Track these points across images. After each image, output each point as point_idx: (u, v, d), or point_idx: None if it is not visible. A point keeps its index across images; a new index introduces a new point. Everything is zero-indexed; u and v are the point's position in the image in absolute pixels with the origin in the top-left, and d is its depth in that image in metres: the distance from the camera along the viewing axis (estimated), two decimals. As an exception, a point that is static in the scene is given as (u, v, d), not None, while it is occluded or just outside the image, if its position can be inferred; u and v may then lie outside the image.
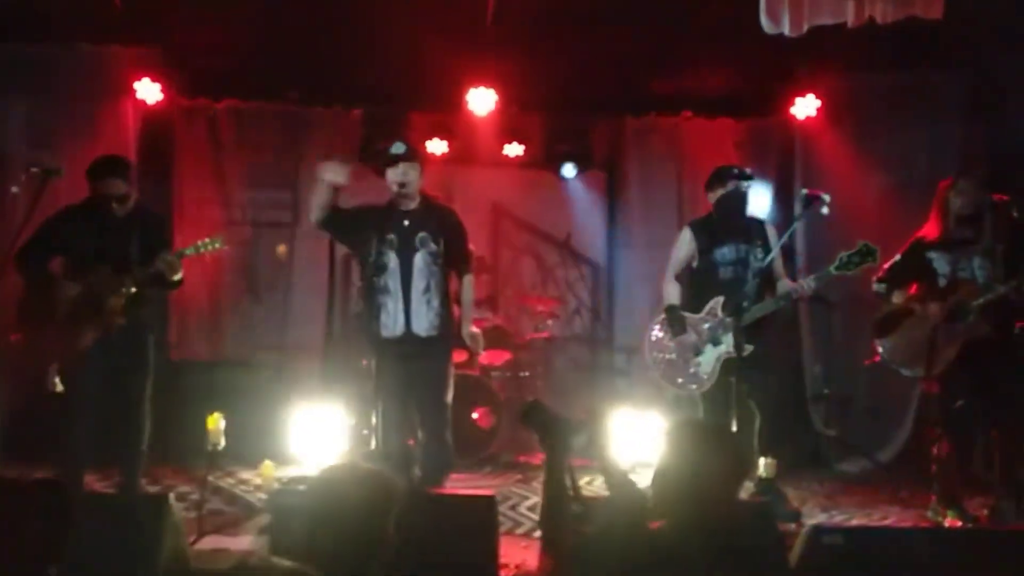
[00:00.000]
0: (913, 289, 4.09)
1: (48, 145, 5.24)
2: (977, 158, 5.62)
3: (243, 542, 3.63)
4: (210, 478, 3.75)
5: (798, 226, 4.10)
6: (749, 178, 4.30)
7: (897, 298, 4.03)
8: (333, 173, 3.84)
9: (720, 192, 4.28)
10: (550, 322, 6.05)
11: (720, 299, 4.17)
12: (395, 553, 1.87)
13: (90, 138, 5.29)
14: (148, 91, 5.34)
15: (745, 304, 3.97)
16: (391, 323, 3.92)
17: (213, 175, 5.95)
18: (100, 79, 5.34)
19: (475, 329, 4.26)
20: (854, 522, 4.23)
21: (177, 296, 5.75)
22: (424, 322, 3.97)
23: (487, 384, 5.44)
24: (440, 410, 4.12)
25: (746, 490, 3.94)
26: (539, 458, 5.17)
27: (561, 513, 2.03)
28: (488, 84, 5.51)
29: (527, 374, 5.83)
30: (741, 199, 4.25)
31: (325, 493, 1.88)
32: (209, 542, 3.54)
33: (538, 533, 3.85)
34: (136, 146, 5.43)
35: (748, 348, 3.93)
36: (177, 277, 4.14)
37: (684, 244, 4.35)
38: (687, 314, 4.25)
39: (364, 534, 1.81)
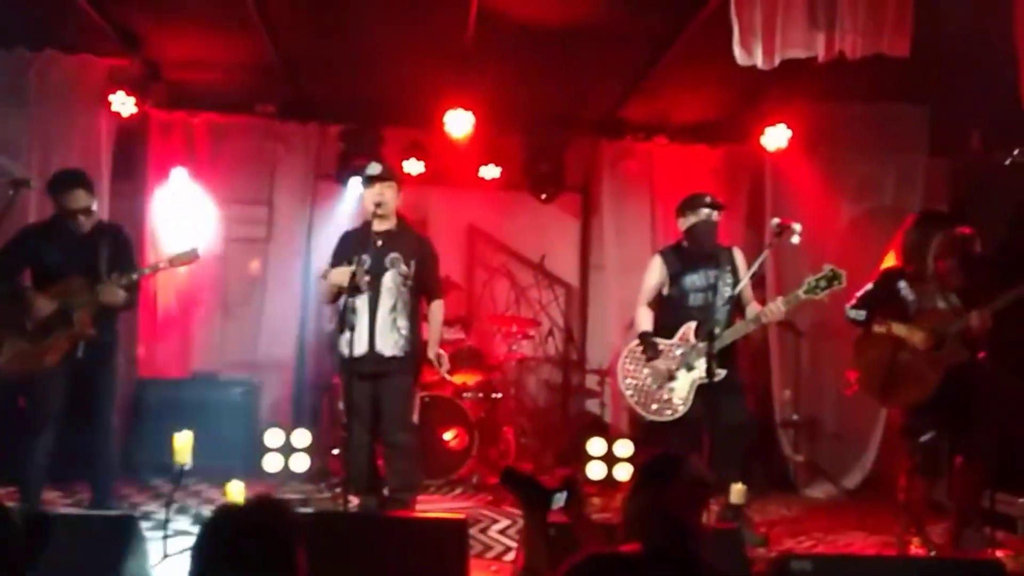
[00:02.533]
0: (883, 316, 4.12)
1: (18, 155, 5.12)
2: (940, 189, 5.79)
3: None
4: (175, 497, 3.67)
5: (768, 253, 4.15)
6: (720, 207, 4.36)
7: (878, 325, 4.06)
8: (339, 276, 4.03)
9: (692, 220, 4.32)
10: (524, 343, 6.07)
11: (692, 324, 4.22)
12: None
13: (62, 149, 5.20)
14: (123, 103, 5.24)
15: (717, 330, 4.02)
16: (357, 342, 4.01)
17: (187, 190, 5.90)
18: (73, 89, 5.22)
19: (441, 351, 4.29)
20: (820, 548, 4.27)
21: (146, 311, 5.68)
22: (389, 341, 4.05)
23: (459, 405, 5.41)
24: (406, 430, 4.14)
25: (714, 515, 3.97)
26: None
27: (540, 573, 2.06)
28: (465, 105, 5.55)
29: (499, 395, 5.82)
30: (712, 228, 4.30)
31: (218, 527, 1.72)
32: (172, 564, 3.47)
33: (509, 557, 3.84)
34: (109, 158, 5.35)
35: (721, 373, 3.98)
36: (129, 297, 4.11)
37: (654, 271, 4.40)
38: (660, 340, 4.29)
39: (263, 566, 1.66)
